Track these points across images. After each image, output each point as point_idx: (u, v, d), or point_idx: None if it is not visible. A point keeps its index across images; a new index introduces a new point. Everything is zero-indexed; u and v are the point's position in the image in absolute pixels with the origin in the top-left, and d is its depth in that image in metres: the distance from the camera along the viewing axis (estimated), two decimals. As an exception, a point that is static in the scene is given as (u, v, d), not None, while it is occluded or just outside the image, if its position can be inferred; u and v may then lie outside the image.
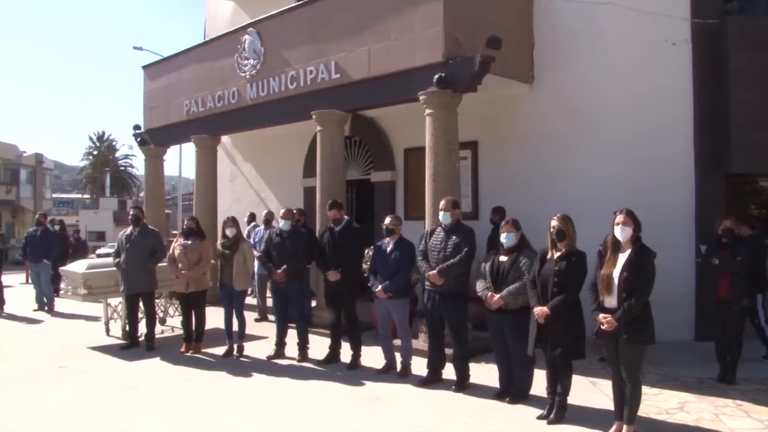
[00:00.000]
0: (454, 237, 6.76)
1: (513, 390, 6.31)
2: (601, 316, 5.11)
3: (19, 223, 45.23)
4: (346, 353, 8.02)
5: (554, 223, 5.70)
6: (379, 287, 7.21)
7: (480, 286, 6.34)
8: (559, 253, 5.66)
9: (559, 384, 5.74)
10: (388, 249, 7.33)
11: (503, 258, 6.27)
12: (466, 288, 6.82)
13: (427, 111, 8.54)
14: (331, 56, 9.92)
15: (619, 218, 5.16)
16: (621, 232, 5.13)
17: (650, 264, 5.13)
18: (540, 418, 5.76)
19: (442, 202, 6.94)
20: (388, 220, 7.43)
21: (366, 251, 8.57)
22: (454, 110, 8.50)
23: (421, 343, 8.03)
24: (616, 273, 5.09)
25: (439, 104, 8.42)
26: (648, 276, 5.08)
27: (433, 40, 8.47)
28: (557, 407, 5.72)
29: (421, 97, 8.53)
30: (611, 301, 5.12)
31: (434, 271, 6.69)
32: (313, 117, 10.16)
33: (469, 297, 6.90)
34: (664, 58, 8.88)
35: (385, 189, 12.10)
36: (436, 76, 8.22)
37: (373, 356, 7.83)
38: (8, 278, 14.10)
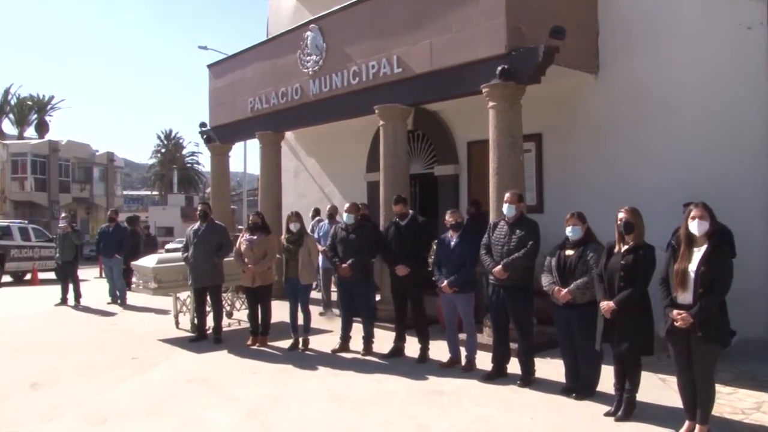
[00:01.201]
0: (518, 230, 6.68)
1: (579, 386, 6.20)
2: (675, 312, 4.93)
3: (93, 219, 46.84)
4: (410, 347, 8.04)
5: (621, 215, 5.57)
6: (445, 282, 7.18)
7: (546, 280, 6.25)
8: (626, 247, 5.54)
9: (627, 380, 5.61)
10: (453, 243, 7.29)
11: (569, 252, 6.16)
12: (531, 282, 6.75)
13: (490, 104, 8.45)
14: (393, 50, 9.92)
15: (696, 212, 4.94)
16: (698, 227, 4.93)
17: (729, 259, 4.95)
18: (608, 414, 5.65)
19: (507, 195, 6.87)
20: (450, 216, 7.40)
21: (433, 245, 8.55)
22: (517, 102, 8.39)
23: (485, 337, 7.98)
24: (692, 268, 4.88)
25: (502, 97, 8.33)
26: (727, 271, 4.89)
27: (496, 31, 8.38)
28: (625, 404, 5.59)
29: (483, 90, 8.46)
30: (686, 297, 4.92)
31: (499, 266, 6.63)
32: (376, 111, 10.19)
33: (534, 291, 6.82)
34: (738, 42, 8.52)
35: (448, 183, 12.04)
36: (499, 68, 8.14)
37: (437, 350, 7.81)
38: (83, 272, 14.60)
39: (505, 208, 6.84)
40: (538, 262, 6.70)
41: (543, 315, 7.47)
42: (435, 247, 7.83)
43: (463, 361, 7.41)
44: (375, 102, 10.17)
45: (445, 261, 7.29)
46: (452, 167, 11.93)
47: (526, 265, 6.65)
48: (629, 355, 5.52)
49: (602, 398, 6.00)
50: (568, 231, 6.15)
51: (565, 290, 6.00)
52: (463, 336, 7.46)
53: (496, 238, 6.84)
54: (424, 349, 7.84)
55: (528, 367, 6.76)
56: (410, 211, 8.14)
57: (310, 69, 11.54)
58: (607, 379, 6.00)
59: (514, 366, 6.93)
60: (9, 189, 41.98)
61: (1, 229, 21.45)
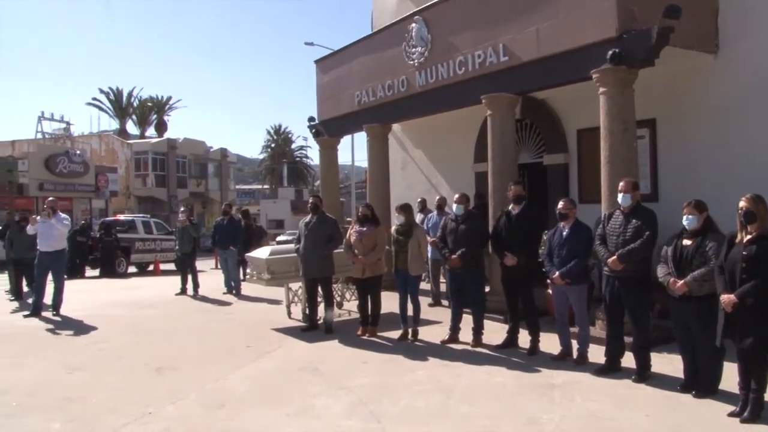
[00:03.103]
0: (634, 220, 6.46)
1: (699, 383, 5.91)
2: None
3: (208, 213, 48.95)
4: (519, 339, 7.96)
5: (742, 203, 5.27)
6: (557, 273, 7.05)
7: (662, 271, 6.01)
8: (748, 237, 5.25)
9: (752, 379, 5.30)
10: (564, 234, 7.14)
11: (687, 242, 5.89)
12: (648, 273, 6.50)
13: (601, 89, 8.21)
14: (499, 39, 9.80)
15: None
16: None
17: None
18: (731, 415, 5.34)
19: (621, 184, 6.65)
20: (561, 204, 7.25)
21: (543, 237, 8.42)
22: (629, 87, 8.12)
23: (598, 330, 7.78)
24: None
25: (613, 82, 8.08)
26: None
27: (606, 14, 8.12)
28: (752, 404, 5.25)
29: (594, 76, 8.23)
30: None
31: (614, 257, 6.43)
32: (483, 101, 10.11)
33: (651, 283, 6.57)
34: None
35: (558, 172, 11.78)
36: (610, 52, 7.89)
37: (547, 342, 7.69)
38: (200, 264, 15.25)
39: (619, 197, 6.62)
40: (654, 252, 6.46)
41: (659, 308, 7.21)
42: (545, 237, 7.68)
43: (575, 354, 7.26)
44: (482, 91, 10.08)
45: (557, 252, 7.16)
46: (562, 156, 11.67)
47: (643, 256, 6.41)
48: (753, 352, 5.22)
49: (725, 397, 5.70)
50: (685, 220, 5.89)
51: (681, 282, 5.75)
52: (574, 329, 7.31)
53: (611, 228, 6.64)
54: (535, 342, 7.72)
55: (643, 362, 6.53)
56: (524, 201, 7.99)
57: (416, 61, 11.57)
58: (731, 377, 5.68)
59: (628, 360, 6.72)
60: (133, 185, 44.60)
61: (127, 223, 22.87)
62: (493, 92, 9.96)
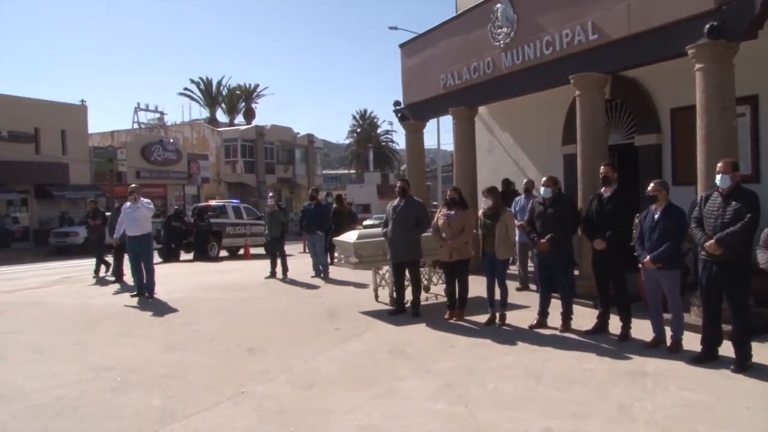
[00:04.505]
0: (733, 202, 6.15)
1: (806, 374, 5.64)
2: None
3: (296, 198, 49.92)
4: (610, 325, 7.78)
5: None
6: (648, 257, 6.83)
7: (763, 257, 5.73)
8: None
9: None
10: (655, 217, 6.90)
11: (791, 225, 5.60)
12: (748, 258, 6.19)
13: (697, 66, 7.87)
14: (588, 17, 9.53)
15: None
16: None
17: None
18: (841, 406, 5.09)
19: (720, 164, 6.33)
20: (650, 186, 7.01)
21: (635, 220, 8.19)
22: (729, 62, 7.73)
23: (693, 317, 7.51)
24: None
25: (711, 57, 7.72)
26: None
27: (703, -15, 7.76)
28: None
29: (689, 51, 7.90)
30: None
31: (712, 241, 6.17)
32: (571, 81, 9.86)
33: (752, 268, 6.27)
34: None
35: (650, 153, 11.40)
36: (708, 26, 7.54)
37: (639, 329, 7.47)
38: (289, 248, 15.55)
39: (718, 178, 6.32)
40: (755, 236, 6.16)
41: (760, 295, 6.88)
42: (637, 221, 7.45)
43: (669, 342, 7.03)
44: (570, 71, 9.84)
45: (648, 235, 6.93)
46: (654, 137, 11.28)
47: (743, 240, 6.10)
48: None
49: (835, 389, 5.43)
50: (789, 203, 5.59)
51: (786, 268, 5.48)
52: (668, 315, 7.07)
53: (709, 210, 6.35)
54: (626, 327, 7.53)
55: (743, 351, 6.24)
56: (616, 184, 7.77)
57: (502, 42, 11.39)
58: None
59: (725, 349, 6.45)
60: (223, 172, 45.99)
61: (218, 208, 23.56)
62: (582, 72, 9.70)
